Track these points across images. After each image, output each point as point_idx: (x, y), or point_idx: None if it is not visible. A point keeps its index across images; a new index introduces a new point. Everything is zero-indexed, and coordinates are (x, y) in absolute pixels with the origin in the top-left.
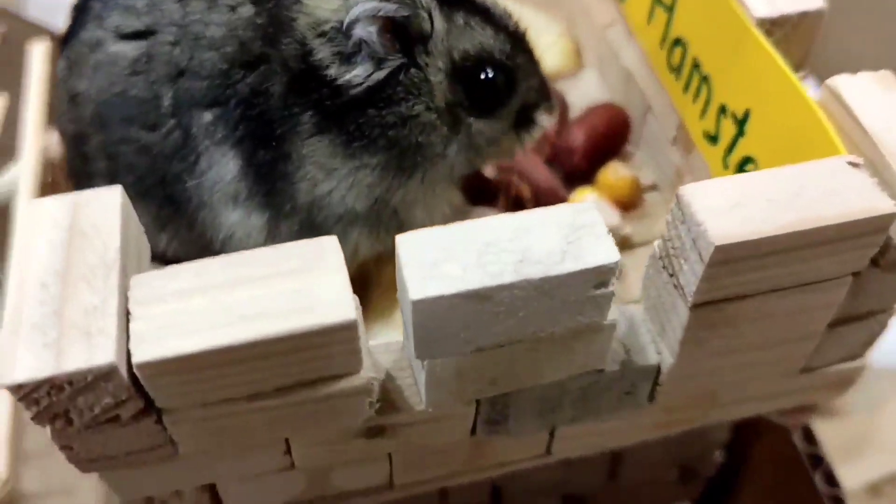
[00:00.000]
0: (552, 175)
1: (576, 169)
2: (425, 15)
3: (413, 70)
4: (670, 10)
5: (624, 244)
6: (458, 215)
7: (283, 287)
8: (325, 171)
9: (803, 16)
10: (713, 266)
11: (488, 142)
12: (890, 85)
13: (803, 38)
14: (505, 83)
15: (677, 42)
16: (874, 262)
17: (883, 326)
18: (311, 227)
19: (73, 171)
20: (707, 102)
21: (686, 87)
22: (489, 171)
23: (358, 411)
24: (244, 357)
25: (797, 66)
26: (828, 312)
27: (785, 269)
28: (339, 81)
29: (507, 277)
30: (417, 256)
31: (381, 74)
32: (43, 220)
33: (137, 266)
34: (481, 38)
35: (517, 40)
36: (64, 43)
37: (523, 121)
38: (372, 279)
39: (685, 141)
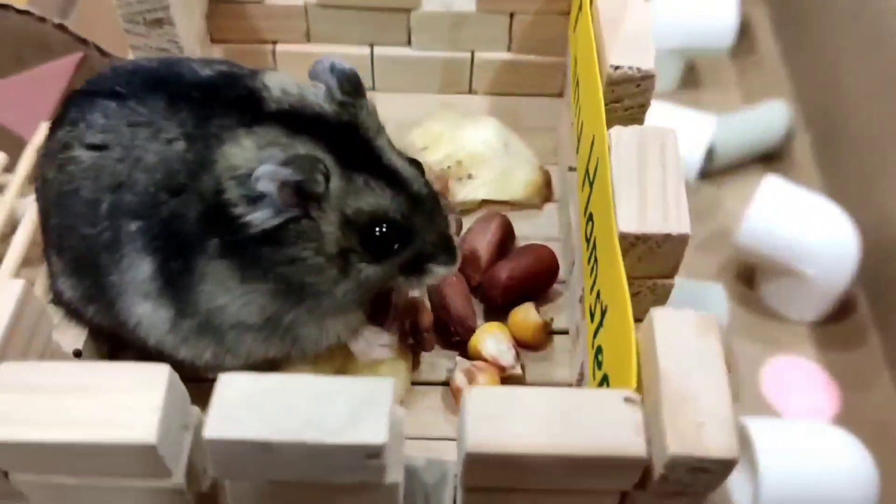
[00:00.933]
0: (468, 304)
1: (494, 303)
2: (320, 178)
3: (305, 221)
4: (591, 186)
5: (516, 381)
6: (353, 334)
7: (110, 401)
8: (223, 288)
9: (667, 237)
10: (470, 464)
11: (377, 283)
12: (706, 330)
13: (670, 253)
14: (398, 237)
15: (590, 218)
16: (641, 485)
17: None
18: (208, 327)
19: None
20: (594, 282)
21: (588, 260)
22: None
23: None
24: (62, 451)
25: (668, 275)
26: None
27: (545, 477)
28: (242, 220)
29: (288, 436)
30: (227, 397)
31: (275, 221)
32: None
33: (25, 349)
34: (378, 198)
35: (418, 201)
36: (49, 132)
37: (415, 268)
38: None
39: (584, 304)
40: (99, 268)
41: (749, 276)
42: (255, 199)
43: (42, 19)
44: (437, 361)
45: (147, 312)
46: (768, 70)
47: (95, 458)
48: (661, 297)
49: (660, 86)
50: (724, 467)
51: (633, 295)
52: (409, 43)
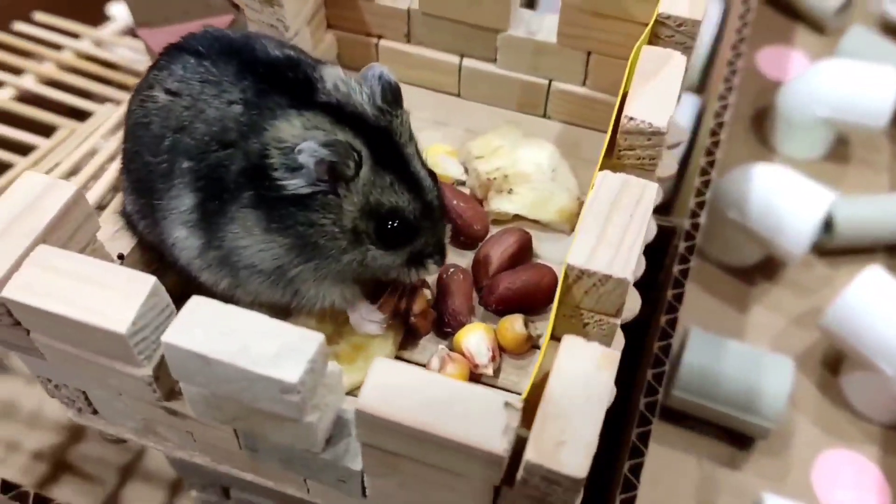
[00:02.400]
0: (466, 302)
1: (489, 307)
2: (351, 164)
3: (331, 196)
4: None
5: (485, 381)
6: (348, 304)
7: (105, 294)
8: (246, 233)
9: (608, 277)
10: (358, 419)
11: (380, 267)
12: (605, 365)
13: (612, 293)
14: (405, 234)
15: None
16: (510, 483)
17: None
18: (227, 262)
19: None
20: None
21: None
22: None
23: (146, 393)
24: (61, 323)
25: (613, 314)
26: (481, 499)
27: (420, 450)
28: (278, 182)
29: (223, 357)
30: (191, 314)
31: (306, 190)
32: (22, 187)
33: (66, 242)
34: (397, 198)
35: (429, 209)
36: (146, 72)
37: (416, 261)
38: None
39: None
40: (153, 191)
41: (835, 362)
42: (294, 169)
43: None
44: (428, 346)
45: (182, 237)
46: None
47: (86, 335)
48: (609, 334)
49: (805, 153)
50: (573, 484)
51: (583, 326)
52: (494, 60)
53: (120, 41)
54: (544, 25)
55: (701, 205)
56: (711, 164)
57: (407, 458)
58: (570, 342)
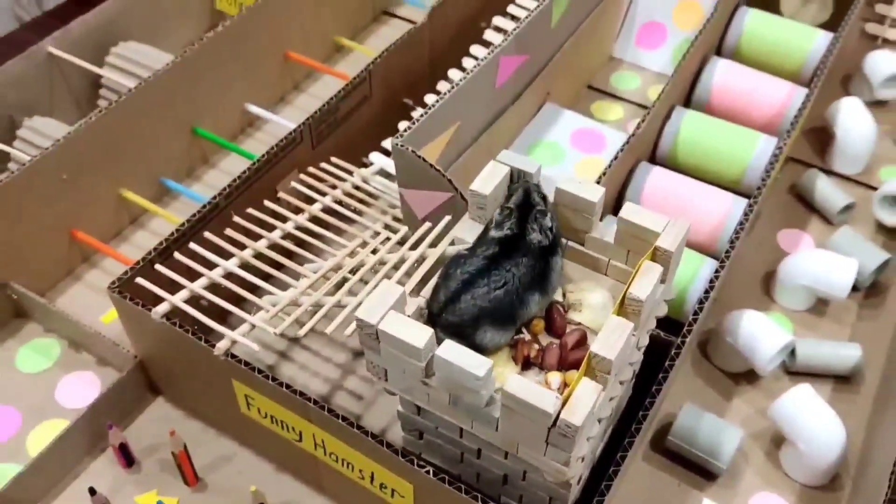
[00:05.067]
0: (556, 362)
1: (561, 368)
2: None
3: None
4: None
5: None
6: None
7: (402, 328)
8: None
9: (604, 357)
10: (503, 395)
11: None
12: (593, 392)
13: (605, 363)
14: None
15: None
16: (553, 426)
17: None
18: (546, 294)
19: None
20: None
21: None
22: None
23: (418, 373)
24: (392, 339)
25: (607, 373)
26: (541, 433)
27: (522, 408)
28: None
29: (453, 361)
30: (448, 345)
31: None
32: (380, 289)
33: (402, 310)
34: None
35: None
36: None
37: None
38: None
39: None
40: (514, 315)
41: (778, 440)
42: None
43: (443, 175)
44: (535, 377)
45: (533, 308)
46: (880, 322)
47: (402, 345)
48: (604, 381)
49: (793, 306)
50: (574, 426)
51: (595, 376)
52: (583, 244)
53: (374, 179)
54: (610, 231)
55: (689, 331)
56: (701, 308)
57: (516, 411)
58: (584, 382)
